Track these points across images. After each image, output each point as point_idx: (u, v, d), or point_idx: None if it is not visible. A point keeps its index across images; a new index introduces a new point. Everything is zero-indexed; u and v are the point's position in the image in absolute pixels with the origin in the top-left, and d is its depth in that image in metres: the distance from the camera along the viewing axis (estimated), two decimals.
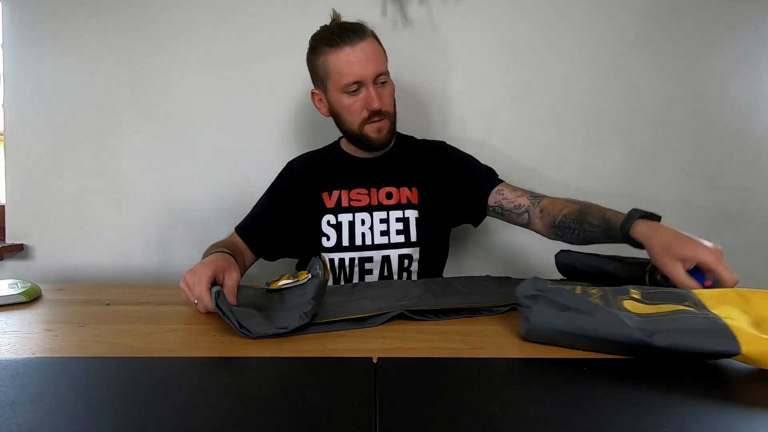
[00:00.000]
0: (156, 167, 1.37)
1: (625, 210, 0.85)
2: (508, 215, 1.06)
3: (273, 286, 0.80)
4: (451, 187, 1.09)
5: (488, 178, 1.11)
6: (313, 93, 1.08)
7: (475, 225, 1.16)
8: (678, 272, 0.69)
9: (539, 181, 1.38)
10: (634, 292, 0.63)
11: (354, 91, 0.99)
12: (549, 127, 1.37)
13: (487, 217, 1.13)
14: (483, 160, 1.24)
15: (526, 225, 1.04)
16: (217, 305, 0.66)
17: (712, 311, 0.57)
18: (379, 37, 1.05)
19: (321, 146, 1.19)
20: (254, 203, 1.13)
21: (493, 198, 1.07)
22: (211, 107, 1.36)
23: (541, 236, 1.03)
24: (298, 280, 0.79)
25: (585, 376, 0.52)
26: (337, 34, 0.98)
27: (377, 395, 0.45)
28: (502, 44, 1.36)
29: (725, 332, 0.52)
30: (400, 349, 0.59)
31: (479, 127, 1.38)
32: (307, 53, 1.05)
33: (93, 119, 1.36)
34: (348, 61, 0.97)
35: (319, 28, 1.05)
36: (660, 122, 1.37)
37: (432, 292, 0.83)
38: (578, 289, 0.63)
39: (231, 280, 0.76)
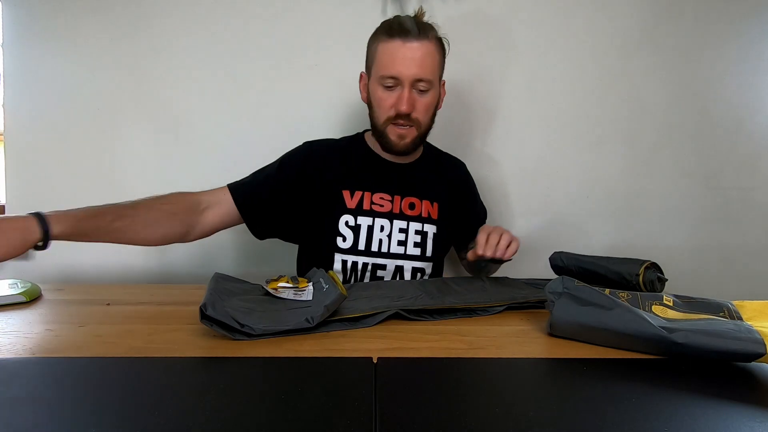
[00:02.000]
0: (156, 167, 1.37)
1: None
2: (463, 247, 1.15)
3: (271, 286, 0.80)
4: (459, 210, 1.11)
5: (484, 220, 1.19)
6: (361, 75, 1.05)
7: (457, 250, 1.21)
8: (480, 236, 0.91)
9: (539, 181, 1.38)
10: (667, 299, 0.64)
11: (390, 86, 0.96)
12: (549, 127, 1.37)
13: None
14: (482, 160, 1.24)
15: (461, 259, 1.19)
16: (204, 318, 0.63)
17: (747, 322, 0.56)
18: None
19: None
20: None
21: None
22: (211, 107, 1.36)
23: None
24: (297, 287, 0.79)
25: (585, 376, 0.52)
26: (397, 24, 0.95)
27: (377, 395, 0.45)
28: (502, 43, 1.36)
29: (752, 335, 0.51)
30: (400, 349, 0.59)
31: (479, 127, 1.38)
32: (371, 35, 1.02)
33: (93, 119, 1.36)
34: (393, 54, 0.94)
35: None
36: (660, 122, 1.37)
37: (428, 292, 0.83)
38: (607, 291, 0.64)
39: None
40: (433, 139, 1.21)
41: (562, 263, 0.87)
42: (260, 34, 1.34)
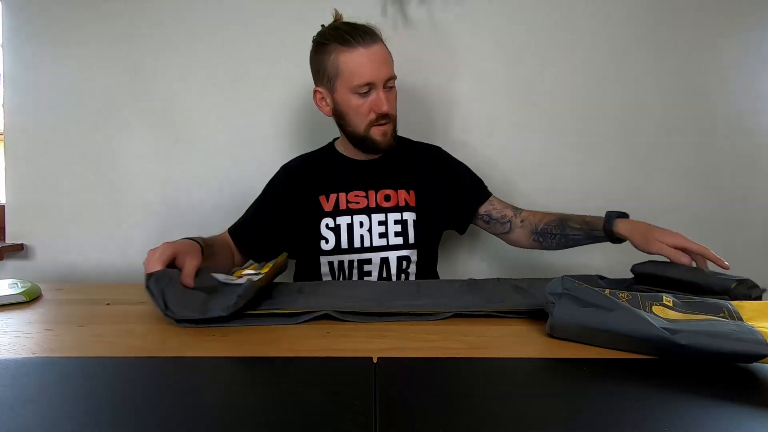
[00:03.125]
0: (156, 167, 1.37)
1: (625, 210, 0.95)
2: (493, 224, 1.12)
3: (237, 275, 0.80)
4: (446, 191, 1.12)
5: (481, 188, 1.15)
6: (315, 91, 1.06)
7: (461, 233, 1.18)
8: (661, 248, 0.84)
9: (539, 181, 1.38)
10: (667, 300, 0.64)
11: (364, 92, 0.99)
12: (549, 127, 1.37)
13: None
14: (483, 160, 1.24)
15: (506, 233, 1.12)
16: (147, 287, 0.69)
17: (748, 323, 0.56)
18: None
19: (320, 146, 1.19)
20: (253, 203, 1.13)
21: (484, 207, 1.12)
22: (210, 107, 1.36)
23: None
24: (260, 272, 0.79)
25: (585, 376, 0.52)
26: (350, 33, 0.97)
27: (377, 395, 0.45)
28: (503, 44, 1.36)
29: (754, 336, 0.51)
30: (400, 349, 0.59)
31: (479, 127, 1.38)
32: (312, 50, 1.04)
33: (93, 119, 1.36)
34: (361, 62, 0.97)
35: (324, 27, 1.04)
36: (659, 122, 1.37)
37: (400, 294, 0.81)
38: (607, 292, 0.64)
39: (190, 264, 0.76)
40: (433, 138, 1.22)
41: (651, 271, 0.84)
42: (260, 35, 1.35)
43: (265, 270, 0.80)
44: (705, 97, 1.37)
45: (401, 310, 0.72)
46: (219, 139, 1.37)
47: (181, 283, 0.74)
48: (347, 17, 1.05)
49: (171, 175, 1.37)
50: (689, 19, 1.35)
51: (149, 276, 0.70)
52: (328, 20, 1.06)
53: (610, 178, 1.38)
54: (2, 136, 1.39)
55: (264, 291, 0.79)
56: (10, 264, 1.38)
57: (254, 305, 0.72)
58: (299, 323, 0.68)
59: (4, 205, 1.39)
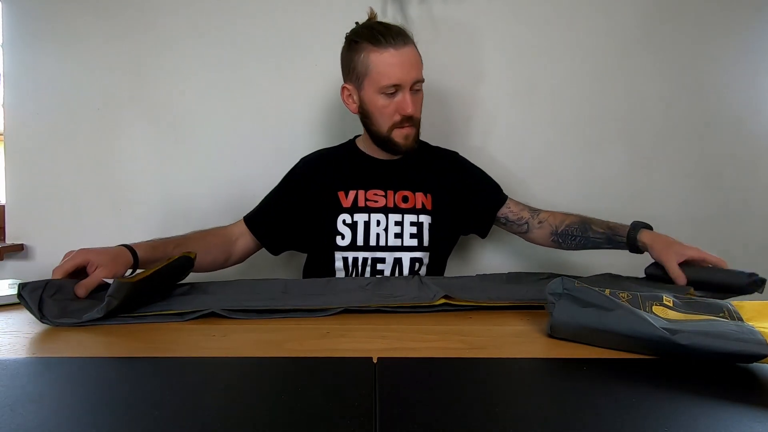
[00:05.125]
0: (156, 167, 1.37)
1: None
2: (510, 225, 1.15)
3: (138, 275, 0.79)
4: (463, 197, 1.13)
5: (498, 193, 1.17)
6: (343, 88, 1.07)
7: (483, 236, 1.20)
8: (674, 264, 0.86)
9: (539, 181, 1.38)
10: (667, 300, 0.64)
11: (391, 93, 1.00)
12: (549, 127, 1.37)
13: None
14: (483, 161, 1.24)
15: (524, 233, 1.15)
16: (19, 295, 0.68)
17: (748, 323, 0.56)
18: None
19: (323, 145, 1.19)
20: (254, 203, 1.13)
21: (501, 211, 1.14)
22: (211, 107, 1.36)
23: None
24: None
25: (585, 376, 0.52)
26: (382, 33, 0.98)
27: (377, 395, 0.45)
28: (503, 44, 1.36)
29: (755, 337, 0.51)
30: (400, 349, 0.59)
31: (479, 127, 1.38)
32: (345, 47, 1.05)
33: (93, 119, 1.36)
34: (391, 63, 0.97)
35: (357, 25, 1.05)
36: (660, 122, 1.37)
37: (302, 292, 0.81)
38: (607, 292, 0.64)
39: (95, 276, 0.76)
40: (433, 138, 1.22)
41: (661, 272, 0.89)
42: (261, 34, 1.35)
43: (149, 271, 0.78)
44: (706, 97, 1.37)
45: (289, 307, 0.72)
46: (219, 139, 1.37)
47: (74, 292, 0.74)
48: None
49: (171, 175, 1.37)
50: (690, 19, 1.35)
51: (23, 285, 0.68)
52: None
53: (610, 178, 1.38)
54: (2, 136, 1.39)
55: (156, 291, 0.78)
56: (10, 264, 1.38)
57: (141, 305, 0.72)
58: (186, 321, 0.69)
59: (4, 205, 1.39)
